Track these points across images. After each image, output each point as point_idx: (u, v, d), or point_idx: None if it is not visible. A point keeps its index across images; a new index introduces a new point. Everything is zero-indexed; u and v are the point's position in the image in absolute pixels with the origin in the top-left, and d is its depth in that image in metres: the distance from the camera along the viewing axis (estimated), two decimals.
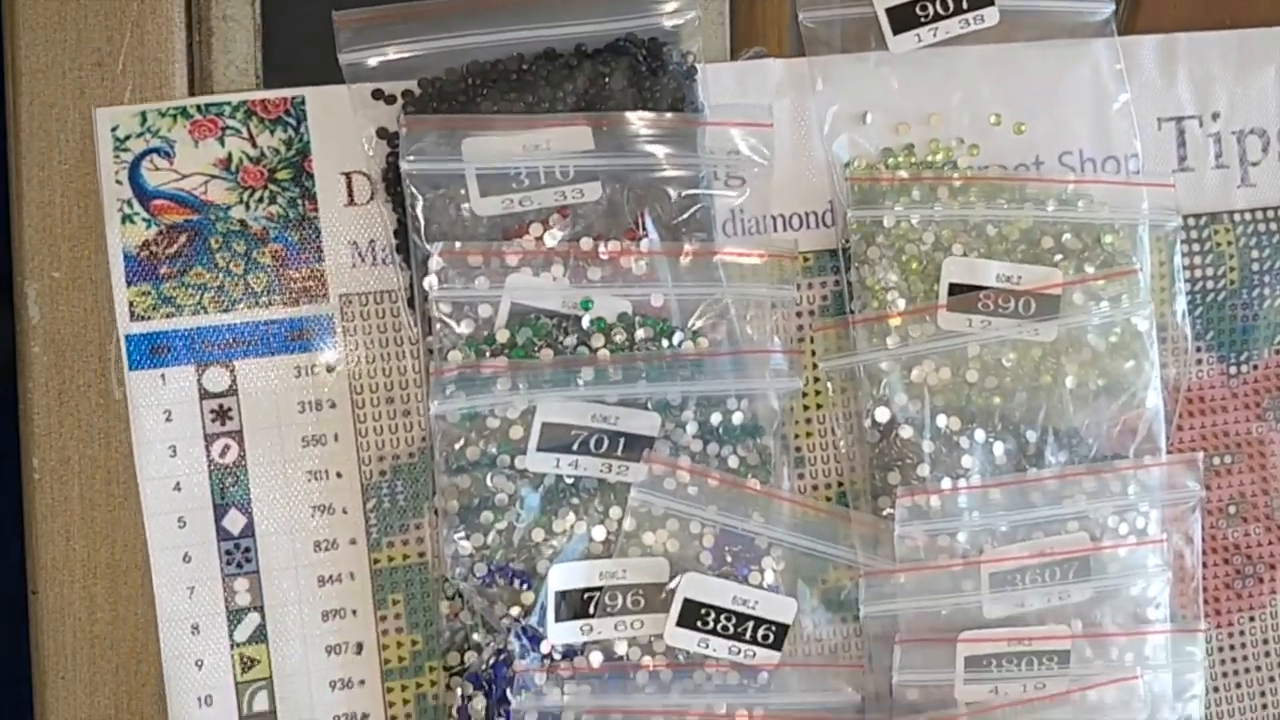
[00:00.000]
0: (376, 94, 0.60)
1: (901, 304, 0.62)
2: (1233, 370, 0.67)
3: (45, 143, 0.59)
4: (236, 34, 0.61)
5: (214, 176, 0.59)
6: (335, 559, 0.60)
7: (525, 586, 0.59)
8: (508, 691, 0.59)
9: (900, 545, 0.62)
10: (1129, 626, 0.63)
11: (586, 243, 0.59)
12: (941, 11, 0.63)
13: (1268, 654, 0.67)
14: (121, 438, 0.59)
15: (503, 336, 0.59)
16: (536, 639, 0.59)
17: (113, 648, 0.59)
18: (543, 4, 0.60)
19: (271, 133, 0.60)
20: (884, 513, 0.62)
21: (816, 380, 0.63)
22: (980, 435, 0.62)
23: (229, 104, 0.59)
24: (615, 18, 0.60)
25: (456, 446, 0.59)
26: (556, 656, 0.59)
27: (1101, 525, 0.63)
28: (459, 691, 0.59)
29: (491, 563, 0.59)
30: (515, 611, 0.59)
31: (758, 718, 0.60)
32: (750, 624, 0.60)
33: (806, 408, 0.63)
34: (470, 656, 0.60)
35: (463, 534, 0.59)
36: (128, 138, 0.59)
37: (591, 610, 0.59)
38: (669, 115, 0.60)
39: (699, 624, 0.60)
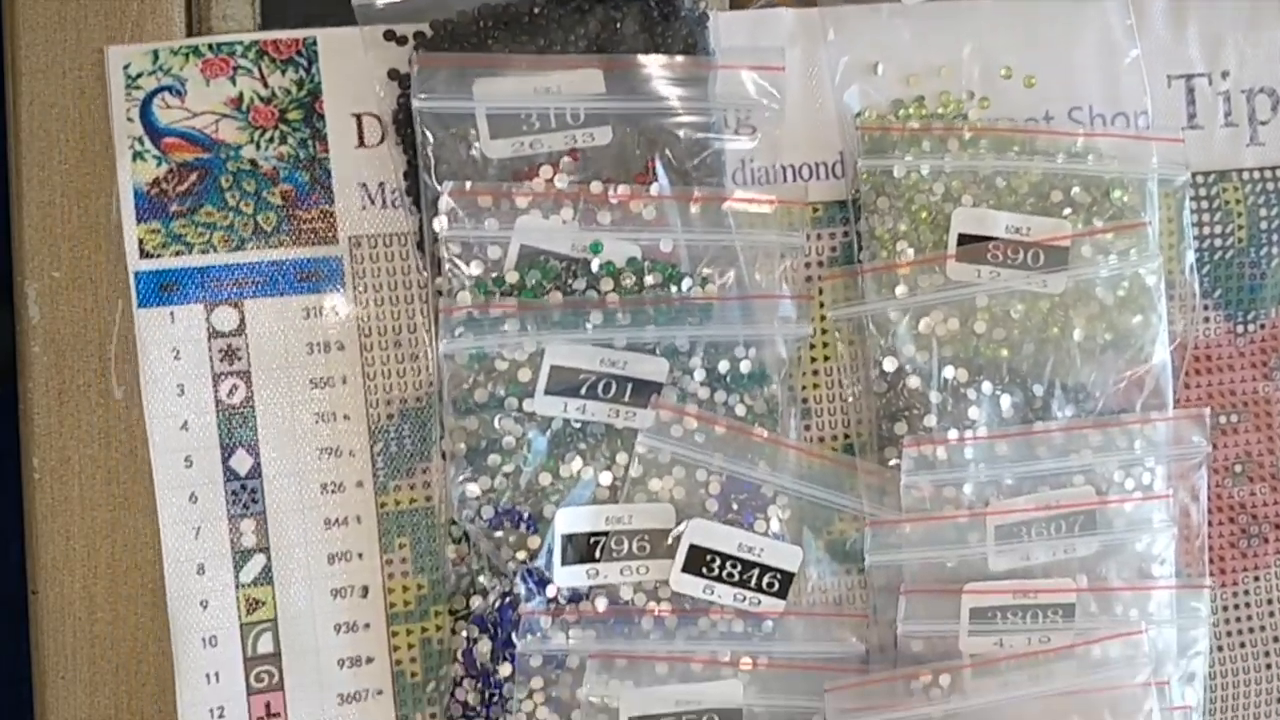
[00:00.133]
0: (388, 35, 0.60)
1: (910, 254, 0.62)
2: (1240, 329, 0.67)
3: (45, 143, 0.59)
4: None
5: (225, 115, 0.59)
6: (342, 501, 0.60)
7: (532, 530, 0.59)
8: (513, 635, 0.59)
9: (906, 495, 0.62)
10: (1134, 581, 0.63)
11: (596, 186, 0.59)
12: None
13: (1272, 614, 0.67)
14: (122, 438, 0.59)
15: (512, 278, 0.59)
16: (542, 582, 0.59)
17: (113, 648, 0.59)
18: None
19: (283, 73, 0.60)
20: (890, 463, 0.62)
21: (824, 333, 0.63)
22: (987, 387, 0.62)
23: (240, 44, 0.59)
24: None
25: (464, 388, 0.59)
26: (562, 601, 0.59)
27: (1107, 480, 0.63)
28: (464, 634, 0.59)
29: (498, 505, 0.59)
30: (521, 555, 0.59)
31: (762, 665, 0.60)
32: (755, 571, 0.60)
33: (814, 359, 0.63)
34: (476, 600, 0.60)
35: (470, 476, 0.59)
36: (139, 75, 0.59)
37: (597, 555, 0.59)
38: (680, 59, 0.60)
39: (704, 570, 0.60)
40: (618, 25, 0.60)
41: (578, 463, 0.59)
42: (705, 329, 0.60)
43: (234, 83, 0.59)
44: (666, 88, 0.60)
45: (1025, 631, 0.62)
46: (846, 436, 0.63)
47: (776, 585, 0.60)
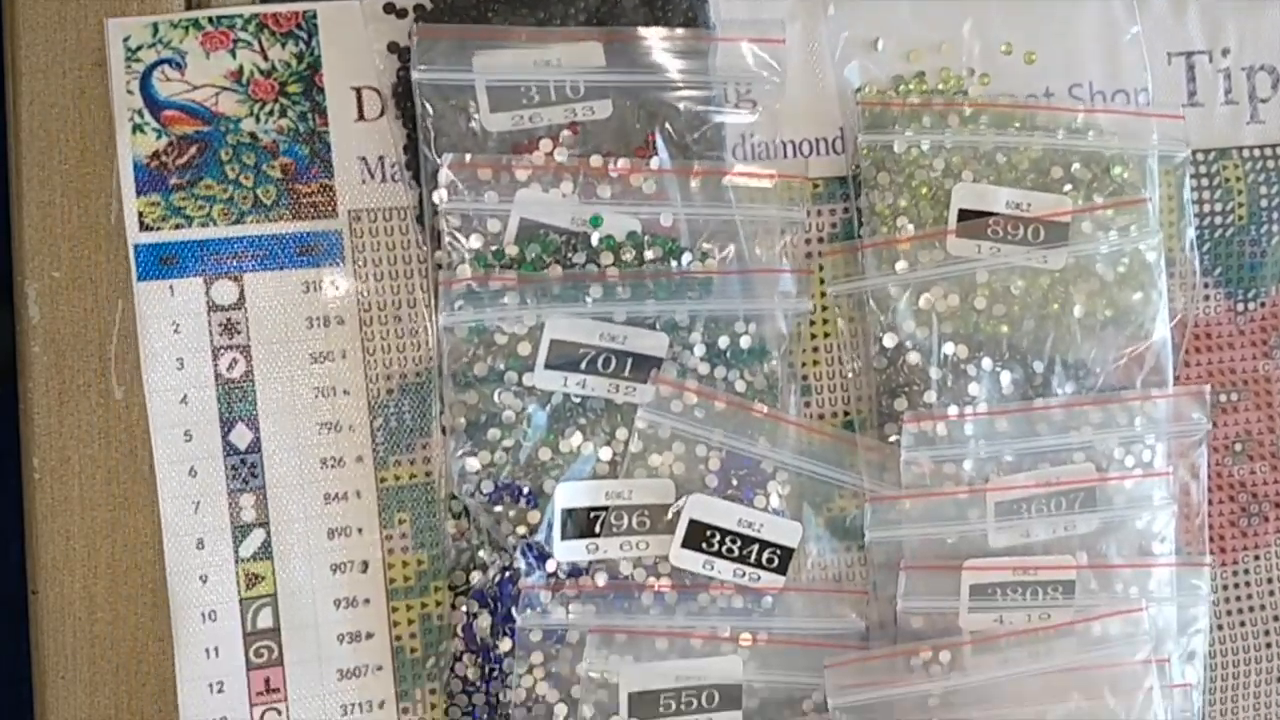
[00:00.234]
0: (388, 8, 0.60)
1: (911, 229, 0.62)
2: (1240, 307, 0.67)
3: (45, 143, 0.59)
4: None
5: (225, 88, 0.59)
6: (342, 476, 0.60)
7: (531, 505, 0.59)
8: (513, 610, 0.59)
9: (906, 471, 0.62)
10: (1134, 559, 0.63)
11: (596, 160, 0.59)
12: None
13: (1272, 593, 0.67)
14: (122, 438, 0.59)
15: (512, 251, 0.59)
16: (542, 557, 0.59)
17: (113, 648, 0.59)
18: None
19: (283, 46, 0.60)
20: (890, 439, 0.62)
21: (824, 309, 0.63)
22: (987, 363, 0.62)
23: (240, 17, 0.59)
24: None
25: (464, 361, 0.59)
26: (562, 576, 0.59)
27: (1107, 456, 0.62)
28: (464, 609, 0.59)
29: (498, 480, 0.59)
30: (521, 530, 0.59)
31: (761, 641, 0.60)
32: (755, 547, 0.60)
33: (814, 335, 0.63)
34: (476, 575, 0.59)
35: (470, 450, 0.59)
36: (139, 48, 0.59)
37: (597, 530, 0.59)
38: (680, 32, 0.60)
39: (704, 546, 0.60)
40: None
41: (577, 437, 0.59)
42: (705, 304, 0.60)
43: (234, 56, 0.59)
44: (667, 61, 0.60)
45: (1025, 608, 0.62)
46: (846, 412, 0.63)
47: (776, 561, 0.60)
